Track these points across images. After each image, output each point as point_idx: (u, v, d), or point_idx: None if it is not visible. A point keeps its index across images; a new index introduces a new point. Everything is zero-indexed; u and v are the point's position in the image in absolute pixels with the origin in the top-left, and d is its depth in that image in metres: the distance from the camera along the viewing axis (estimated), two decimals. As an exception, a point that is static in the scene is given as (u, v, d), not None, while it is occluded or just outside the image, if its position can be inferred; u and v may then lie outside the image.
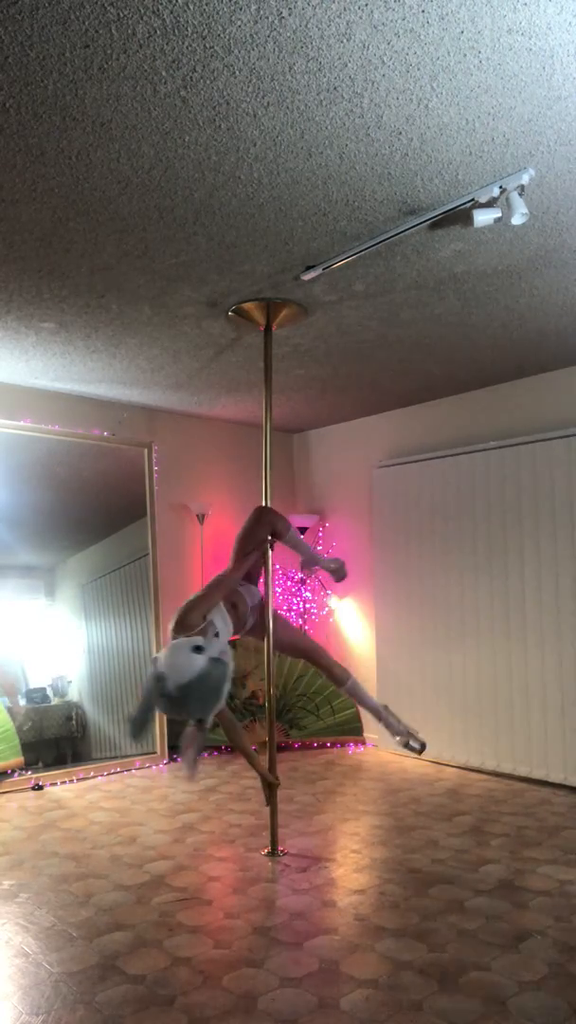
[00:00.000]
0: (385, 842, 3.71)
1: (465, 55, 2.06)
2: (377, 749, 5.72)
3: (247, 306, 3.73)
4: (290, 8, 1.89)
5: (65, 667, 5.40)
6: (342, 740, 5.89)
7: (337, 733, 5.89)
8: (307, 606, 6.35)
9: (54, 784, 4.85)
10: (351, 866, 3.41)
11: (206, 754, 5.57)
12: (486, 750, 5.05)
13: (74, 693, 5.37)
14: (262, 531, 3.55)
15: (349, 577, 4.24)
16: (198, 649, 2.90)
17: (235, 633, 3.43)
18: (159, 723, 5.41)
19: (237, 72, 2.11)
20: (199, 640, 2.95)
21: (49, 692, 5.32)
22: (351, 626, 6.21)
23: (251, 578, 3.67)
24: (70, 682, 5.39)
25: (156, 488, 5.69)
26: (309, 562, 4.01)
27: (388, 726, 3.67)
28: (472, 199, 2.74)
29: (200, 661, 2.86)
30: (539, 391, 5.05)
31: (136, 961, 2.56)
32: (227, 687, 2.94)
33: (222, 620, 3.23)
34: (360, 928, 2.79)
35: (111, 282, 3.48)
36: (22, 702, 5.15)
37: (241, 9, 1.89)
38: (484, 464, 5.16)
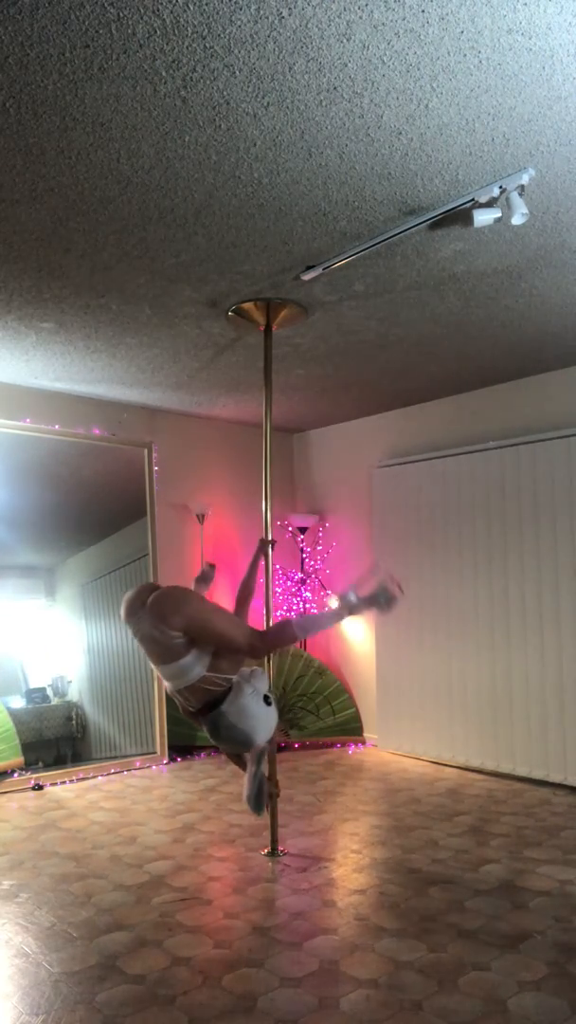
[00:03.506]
0: (385, 842, 3.71)
1: (465, 55, 2.06)
2: (377, 749, 5.71)
3: (247, 306, 3.73)
4: (290, 8, 1.89)
5: (65, 667, 5.40)
6: (342, 740, 5.89)
7: (337, 733, 5.89)
8: (307, 606, 6.34)
9: (54, 784, 4.85)
10: (351, 866, 3.41)
11: (204, 754, 5.57)
12: (486, 750, 5.05)
13: (74, 693, 5.37)
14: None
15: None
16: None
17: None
18: (159, 723, 5.41)
19: (237, 72, 2.11)
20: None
21: (49, 692, 5.32)
22: (351, 626, 6.21)
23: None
24: (70, 682, 5.39)
25: (156, 488, 5.69)
26: (348, 610, 3.36)
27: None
28: (472, 199, 2.74)
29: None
30: (539, 391, 5.05)
31: (136, 961, 2.56)
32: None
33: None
34: (360, 928, 2.79)
35: (111, 282, 3.48)
36: (23, 702, 5.16)
37: (241, 9, 1.89)
38: (484, 464, 5.16)
